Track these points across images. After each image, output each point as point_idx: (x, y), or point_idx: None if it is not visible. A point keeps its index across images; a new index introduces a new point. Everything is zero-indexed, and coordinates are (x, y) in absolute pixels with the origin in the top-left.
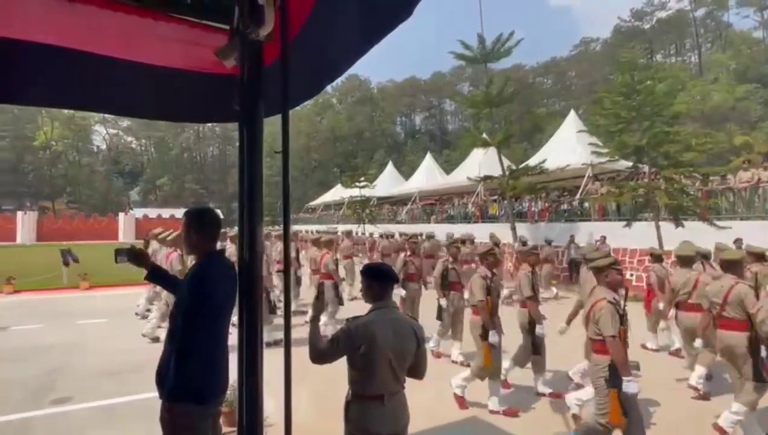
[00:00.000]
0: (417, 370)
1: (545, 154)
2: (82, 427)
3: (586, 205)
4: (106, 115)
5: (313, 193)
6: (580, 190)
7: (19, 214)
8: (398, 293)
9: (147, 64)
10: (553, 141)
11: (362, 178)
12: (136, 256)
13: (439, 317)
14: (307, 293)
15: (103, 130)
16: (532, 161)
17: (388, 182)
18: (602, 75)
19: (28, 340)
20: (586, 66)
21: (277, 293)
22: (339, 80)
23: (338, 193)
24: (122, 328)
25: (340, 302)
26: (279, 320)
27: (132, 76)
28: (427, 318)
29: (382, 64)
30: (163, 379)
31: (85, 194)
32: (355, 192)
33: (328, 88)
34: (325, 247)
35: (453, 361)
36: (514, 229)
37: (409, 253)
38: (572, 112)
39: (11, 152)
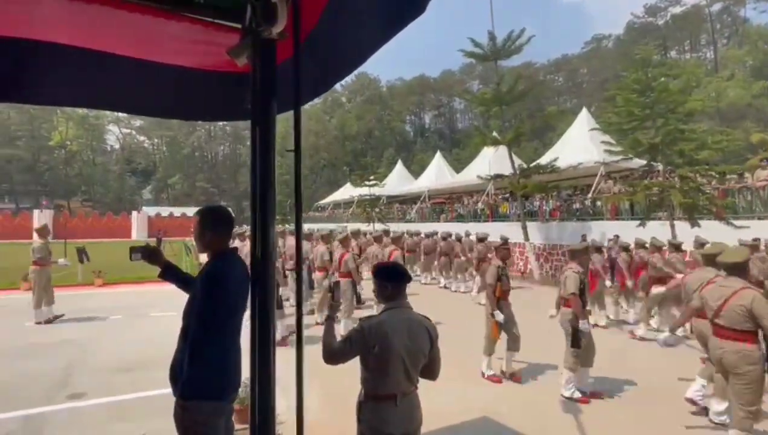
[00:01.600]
0: (431, 371)
1: (557, 153)
2: (97, 423)
3: (599, 204)
4: (120, 115)
5: (323, 192)
6: (592, 189)
7: (36, 212)
8: (497, 318)
9: (160, 63)
10: (565, 139)
11: (371, 177)
12: (150, 254)
13: (577, 344)
14: (367, 289)
15: (117, 130)
16: (544, 160)
17: (397, 181)
18: (615, 72)
19: (45, 335)
20: (598, 63)
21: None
22: (348, 79)
23: (347, 191)
24: (136, 324)
25: None
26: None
27: (145, 75)
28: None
29: (392, 62)
30: (176, 376)
31: (99, 193)
32: (364, 190)
33: (338, 86)
34: (393, 244)
35: (567, 398)
36: (524, 228)
37: (500, 262)
38: (584, 110)
39: (28, 151)
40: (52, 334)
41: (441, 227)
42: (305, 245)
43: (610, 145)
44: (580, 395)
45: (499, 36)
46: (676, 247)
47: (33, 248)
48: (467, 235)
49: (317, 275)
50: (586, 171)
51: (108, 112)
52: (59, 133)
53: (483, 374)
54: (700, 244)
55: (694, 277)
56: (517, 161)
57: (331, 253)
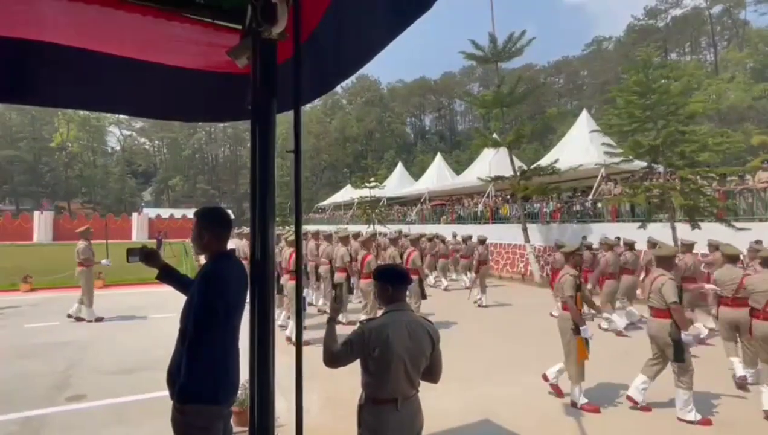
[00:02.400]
0: (432, 374)
1: (557, 154)
2: (96, 425)
3: (600, 205)
4: (121, 117)
5: (323, 194)
6: (593, 191)
7: (36, 213)
8: (584, 335)
9: (161, 64)
10: (565, 141)
11: (372, 179)
12: (147, 255)
13: (681, 357)
14: None
15: (117, 132)
16: (544, 161)
17: (397, 183)
18: (615, 74)
19: (45, 337)
20: (598, 65)
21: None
22: (349, 81)
23: (348, 193)
24: (136, 326)
25: (423, 296)
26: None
27: (146, 77)
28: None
29: (392, 64)
30: (174, 379)
31: (100, 194)
32: (364, 192)
33: (338, 89)
34: (411, 246)
35: (689, 421)
36: (525, 230)
37: (574, 271)
38: (584, 112)
39: (29, 153)
40: (53, 336)
41: (441, 229)
42: (326, 247)
43: (611, 147)
44: (700, 417)
45: (500, 38)
46: (630, 246)
47: (78, 250)
48: (454, 236)
49: (338, 275)
50: (586, 173)
51: (109, 114)
52: (60, 135)
53: (576, 404)
54: (652, 244)
55: (759, 279)
56: (518, 163)
57: (350, 254)
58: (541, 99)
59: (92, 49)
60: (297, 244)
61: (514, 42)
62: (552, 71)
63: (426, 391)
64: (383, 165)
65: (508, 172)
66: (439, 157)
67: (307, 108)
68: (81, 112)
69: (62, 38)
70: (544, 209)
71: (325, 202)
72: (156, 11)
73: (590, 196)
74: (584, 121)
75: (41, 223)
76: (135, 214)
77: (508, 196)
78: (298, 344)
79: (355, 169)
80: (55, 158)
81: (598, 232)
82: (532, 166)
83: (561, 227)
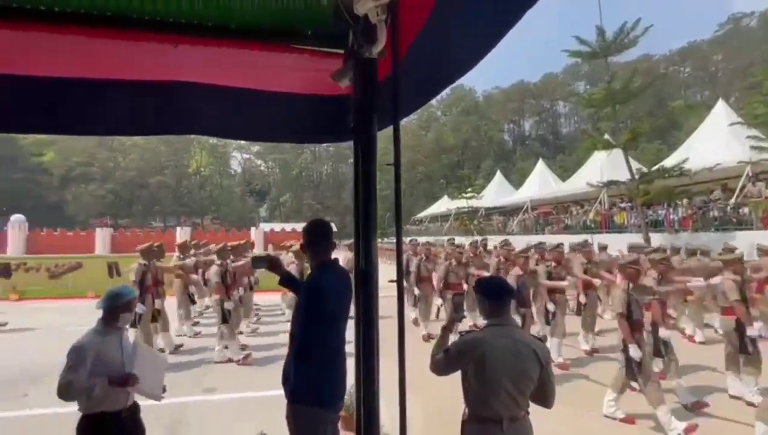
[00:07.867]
0: (542, 397)
1: (686, 153)
2: None
3: (745, 210)
4: (241, 142)
5: (420, 206)
6: (735, 193)
7: (178, 229)
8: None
9: (270, 91)
10: (696, 137)
11: (469, 189)
12: (271, 263)
13: None
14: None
15: (239, 156)
16: (669, 161)
17: (496, 192)
18: (760, 54)
19: None
20: (735, 47)
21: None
22: (443, 92)
23: (444, 204)
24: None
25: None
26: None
27: (258, 104)
28: None
29: (488, 71)
30: (287, 379)
31: (225, 212)
32: (462, 203)
33: (432, 101)
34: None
35: None
36: (647, 239)
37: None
38: (720, 102)
39: (172, 178)
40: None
41: (547, 239)
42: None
43: (759, 141)
44: None
45: (609, 31)
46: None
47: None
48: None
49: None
50: (725, 172)
51: (232, 141)
52: (195, 162)
53: None
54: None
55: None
56: (635, 165)
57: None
58: (663, 92)
59: (214, 84)
60: (398, 257)
61: (626, 33)
62: (675, 60)
63: (538, 414)
64: (480, 174)
65: (623, 176)
66: (541, 163)
67: (402, 122)
68: (211, 140)
69: (196, 77)
70: (671, 216)
71: (422, 214)
72: (263, 46)
73: (732, 200)
74: (721, 113)
75: (182, 238)
76: (253, 229)
77: (626, 203)
78: (401, 354)
79: (452, 179)
80: (192, 182)
81: (745, 240)
82: (655, 168)
83: (693, 236)
